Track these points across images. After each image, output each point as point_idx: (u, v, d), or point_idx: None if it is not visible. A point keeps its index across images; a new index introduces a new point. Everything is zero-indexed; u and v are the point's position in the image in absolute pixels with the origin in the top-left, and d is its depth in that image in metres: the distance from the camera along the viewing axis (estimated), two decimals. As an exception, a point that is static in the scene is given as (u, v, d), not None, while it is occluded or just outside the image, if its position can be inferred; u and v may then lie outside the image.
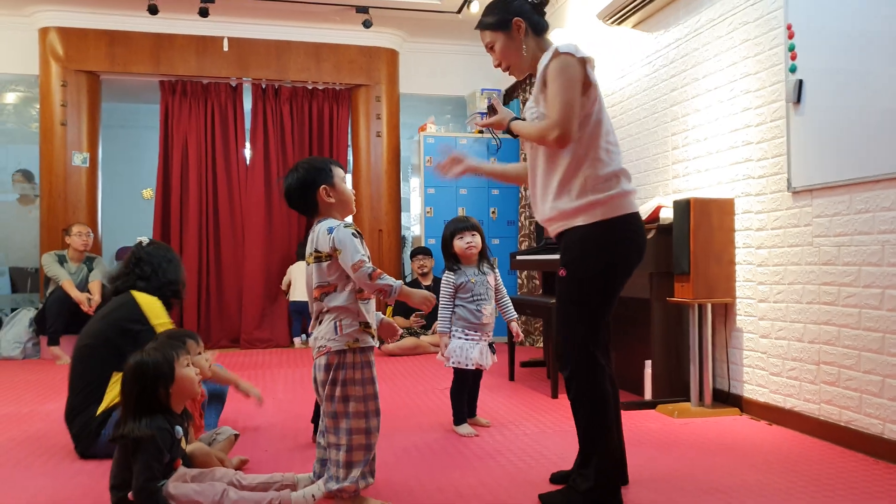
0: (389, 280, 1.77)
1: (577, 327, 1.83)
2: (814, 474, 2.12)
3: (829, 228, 2.56)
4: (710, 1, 3.24)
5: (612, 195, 1.81)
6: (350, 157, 5.78)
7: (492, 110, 2.01)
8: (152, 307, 2.38)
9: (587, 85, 1.80)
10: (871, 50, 2.35)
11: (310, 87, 5.61)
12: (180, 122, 5.33)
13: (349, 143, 5.75)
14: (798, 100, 2.68)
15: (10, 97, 5.56)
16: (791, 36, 2.71)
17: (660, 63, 3.68)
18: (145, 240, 2.57)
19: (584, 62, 1.79)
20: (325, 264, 1.81)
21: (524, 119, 1.95)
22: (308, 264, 1.88)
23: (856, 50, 2.41)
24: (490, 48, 1.97)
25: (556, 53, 1.78)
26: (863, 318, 2.41)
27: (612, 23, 3.96)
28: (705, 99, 3.29)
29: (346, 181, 1.97)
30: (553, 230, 1.92)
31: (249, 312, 5.30)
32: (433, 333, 4.86)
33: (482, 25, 1.97)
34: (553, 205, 1.86)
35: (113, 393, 2.24)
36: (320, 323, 1.85)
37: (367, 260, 1.78)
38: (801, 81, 2.67)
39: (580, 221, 1.82)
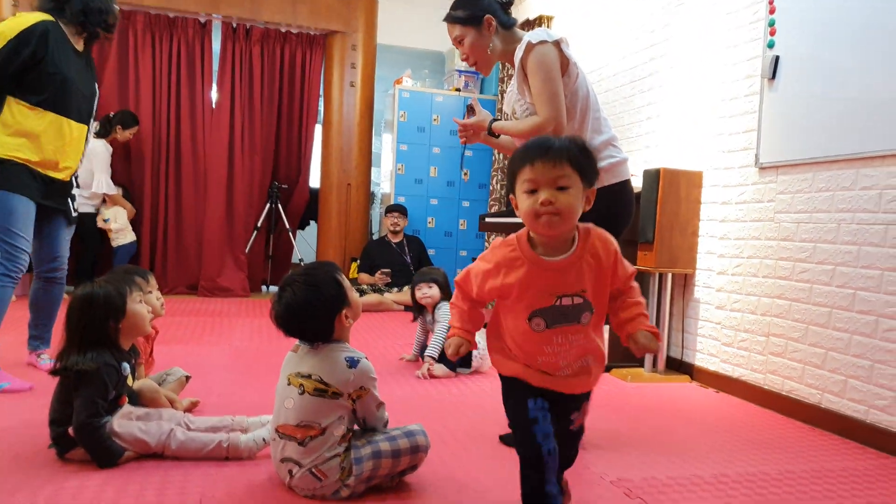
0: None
1: None
2: (753, 438, 2.21)
3: (791, 205, 2.60)
4: (695, -31, 3.21)
5: (613, 163, 1.89)
6: (321, 107, 5.62)
7: (471, 111, 2.04)
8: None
9: (565, 64, 1.84)
10: (845, 41, 2.39)
11: (283, 30, 5.40)
12: (144, 58, 5.09)
13: (321, 91, 5.59)
14: (773, 76, 2.69)
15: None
16: (772, 11, 2.71)
17: (640, 31, 3.64)
18: None
19: (557, 44, 1.83)
20: (325, 400, 1.50)
21: (500, 119, 1.98)
22: (289, 384, 1.53)
23: (831, 39, 2.45)
24: (458, 42, 1.99)
25: (530, 46, 1.82)
26: (813, 294, 2.47)
27: (596, -15, 3.89)
28: (683, 70, 3.28)
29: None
30: None
31: (210, 260, 5.18)
32: (397, 291, 4.87)
33: (451, 19, 1.97)
34: None
35: None
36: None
37: None
38: (777, 58, 2.67)
39: None
